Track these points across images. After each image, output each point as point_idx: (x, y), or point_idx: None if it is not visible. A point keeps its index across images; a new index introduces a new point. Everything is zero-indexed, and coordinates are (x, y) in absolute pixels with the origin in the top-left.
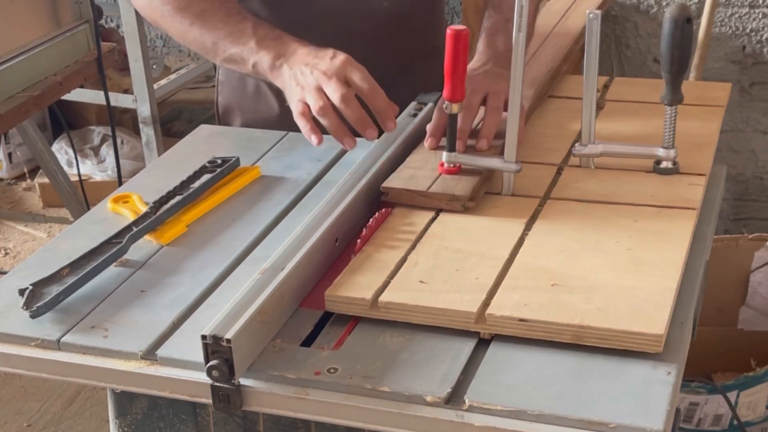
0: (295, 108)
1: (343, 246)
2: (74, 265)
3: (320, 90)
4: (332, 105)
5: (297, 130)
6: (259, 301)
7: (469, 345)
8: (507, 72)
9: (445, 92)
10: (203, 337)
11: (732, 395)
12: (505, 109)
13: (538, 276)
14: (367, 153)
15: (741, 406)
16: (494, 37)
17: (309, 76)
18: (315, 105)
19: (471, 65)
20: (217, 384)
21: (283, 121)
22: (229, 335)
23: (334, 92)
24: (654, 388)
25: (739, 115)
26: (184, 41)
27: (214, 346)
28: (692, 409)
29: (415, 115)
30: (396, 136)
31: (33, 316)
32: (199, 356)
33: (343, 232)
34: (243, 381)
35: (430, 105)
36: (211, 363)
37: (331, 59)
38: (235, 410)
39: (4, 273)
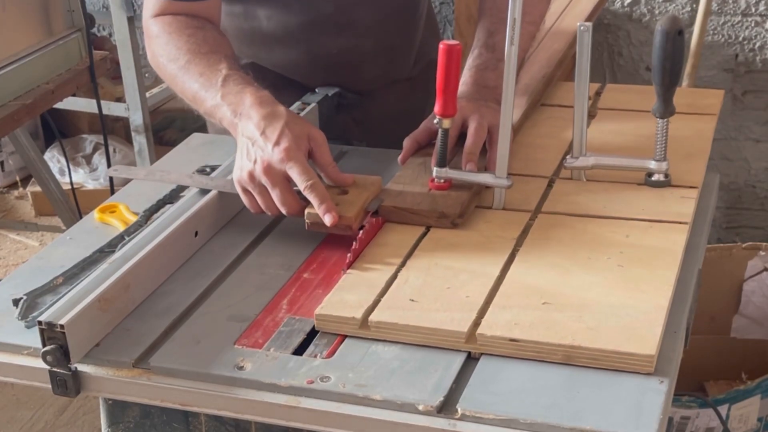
0: (236, 179)
1: (201, 238)
2: (68, 275)
3: (261, 187)
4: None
5: None
6: (100, 289)
7: (461, 354)
8: (493, 104)
9: (437, 107)
10: (39, 322)
11: (723, 408)
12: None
13: (529, 294)
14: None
15: (732, 419)
16: (484, 72)
17: (251, 163)
18: (256, 203)
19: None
20: (54, 369)
21: None
22: (63, 321)
23: (273, 193)
24: (647, 397)
25: (732, 124)
26: (177, 93)
27: (50, 332)
28: (683, 423)
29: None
30: None
31: (28, 326)
32: (192, 364)
33: (204, 226)
34: (80, 367)
35: (313, 105)
36: (44, 349)
37: (274, 146)
38: (71, 395)
39: None
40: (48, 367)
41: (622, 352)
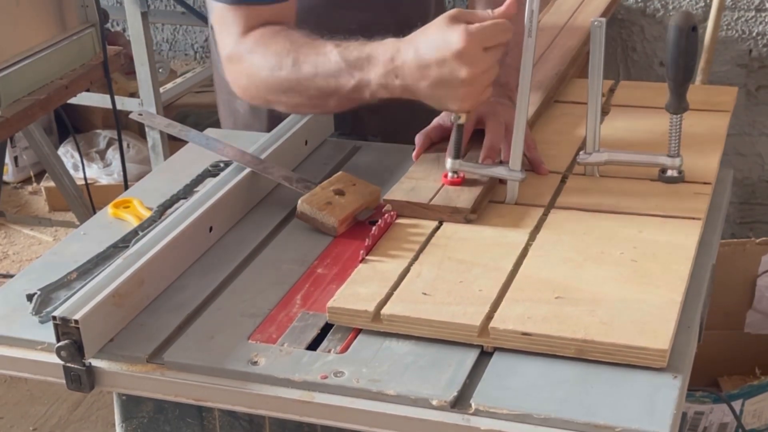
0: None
1: (217, 235)
2: (82, 270)
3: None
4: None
5: None
6: (114, 284)
7: (475, 349)
8: (505, 101)
9: None
10: (53, 318)
11: (737, 404)
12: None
13: (542, 288)
14: (256, 146)
15: (746, 415)
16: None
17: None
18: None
19: None
20: (68, 364)
21: None
22: (77, 317)
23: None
24: (660, 392)
25: (746, 119)
26: (296, 105)
27: (64, 327)
28: (697, 418)
29: None
30: (288, 129)
31: (42, 322)
32: (205, 360)
33: (219, 221)
34: (94, 362)
35: None
36: (59, 344)
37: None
38: (85, 390)
39: (11, 276)
40: (62, 363)
41: (635, 347)
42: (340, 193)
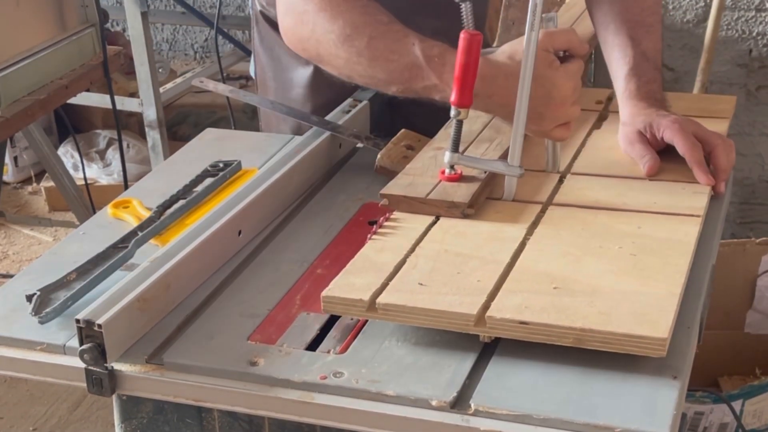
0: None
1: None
2: (81, 270)
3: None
4: None
5: (325, 102)
6: (140, 288)
7: (475, 349)
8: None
9: (454, 98)
10: (77, 320)
11: (737, 404)
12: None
13: (540, 280)
14: (290, 150)
15: (746, 415)
16: (650, 86)
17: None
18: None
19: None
20: (90, 368)
21: (314, 88)
22: (101, 320)
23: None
24: (660, 392)
25: (746, 119)
26: (351, 74)
27: (88, 330)
28: (697, 418)
29: (348, 112)
30: (321, 134)
31: (42, 322)
32: (205, 360)
33: (248, 225)
34: (117, 366)
35: (365, 102)
36: (82, 347)
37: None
38: (107, 394)
39: (11, 276)
40: (84, 366)
41: (634, 336)
42: (410, 148)
